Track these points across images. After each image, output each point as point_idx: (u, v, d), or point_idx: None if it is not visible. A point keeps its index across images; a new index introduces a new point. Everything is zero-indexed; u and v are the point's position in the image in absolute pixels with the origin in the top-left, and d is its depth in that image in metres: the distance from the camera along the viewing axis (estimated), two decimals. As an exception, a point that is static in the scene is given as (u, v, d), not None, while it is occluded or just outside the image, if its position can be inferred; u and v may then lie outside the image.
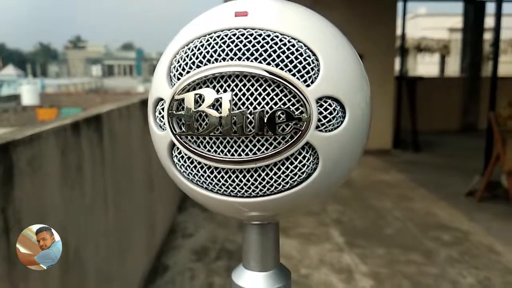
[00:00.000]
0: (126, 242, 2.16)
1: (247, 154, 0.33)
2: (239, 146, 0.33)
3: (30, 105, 15.57)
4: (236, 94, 0.32)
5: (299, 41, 0.33)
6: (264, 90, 0.32)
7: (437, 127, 7.68)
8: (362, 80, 0.35)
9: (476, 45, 8.51)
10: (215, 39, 0.33)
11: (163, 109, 0.36)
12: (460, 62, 9.38)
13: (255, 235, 0.40)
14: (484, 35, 8.69)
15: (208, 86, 0.33)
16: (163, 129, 0.36)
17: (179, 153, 0.36)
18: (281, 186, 0.34)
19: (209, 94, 0.32)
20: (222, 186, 0.35)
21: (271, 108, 0.32)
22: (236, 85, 0.32)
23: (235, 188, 0.35)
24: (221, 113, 0.32)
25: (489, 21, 8.95)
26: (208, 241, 3.18)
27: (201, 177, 0.36)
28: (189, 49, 0.34)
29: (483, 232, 3.30)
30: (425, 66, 16.61)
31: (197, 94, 0.33)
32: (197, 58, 0.33)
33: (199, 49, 0.34)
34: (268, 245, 0.40)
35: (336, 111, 0.33)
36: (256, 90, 0.32)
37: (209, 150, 0.34)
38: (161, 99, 0.36)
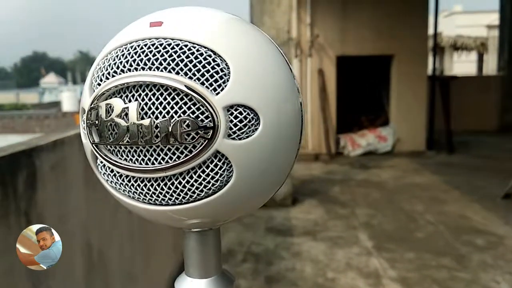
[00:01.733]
0: (152, 243, 2.21)
1: (159, 163, 0.33)
2: (151, 155, 0.34)
3: (70, 111, 16.17)
4: (146, 104, 0.32)
5: (209, 50, 0.32)
6: (173, 99, 0.32)
7: (474, 128, 7.42)
8: (286, 88, 0.35)
9: (514, 41, 8.18)
10: (128, 50, 0.34)
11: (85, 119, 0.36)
12: (497, 60, 9.04)
13: (194, 241, 0.40)
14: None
15: (120, 96, 0.33)
16: (85, 137, 0.37)
17: (101, 162, 0.37)
18: (196, 194, 0.34)
19: (117, 104, 0.33)
20: (147, 195, 0.35)
21: (179, 116, 0.32)
22: (146, 95, 0.33)
23: (158, 196, 0.35)
24: (128, 122, 0.32)
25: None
26: (234, 244, 3.20)
27: (125, 186, 0.36)
28: (107, 59, 0.35)
29: (520, 236, 3.17)
30: (461, 65, 16.09)
31: (108, 104, 0.33)
32: (112, 68, 0.34)
33: (114, 59, 0.34)
34: (207, 252, 0.40)
35: (247, 119, 0.33)
36: (165, 99, 0.32)
37: (125, 159, 0.35)
38: (83, 108, 0.37)
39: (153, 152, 0.34)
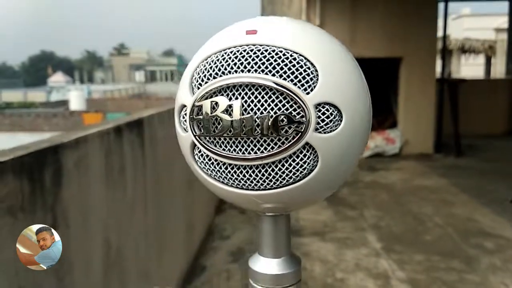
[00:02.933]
0: (165, 242, 2.24)
1: (255, 153, 0.38)
2: (248, 146, 0.38)
3: (77, 110, 16.28)
4: (245, 101, 0.38)
5: (300, 55, 0.38)
6: (270, 97, 0.37)
7: (482, 131, 7.41)
8: (361, 88, 0.40)
9: (523, 45, 8.16)
10: (228, 54, 0.39)
11: (186, 114, 0.42)
12: (506, 63, 9.01)
13: (268, 225, 0.45)
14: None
15: (222, 95, 0.39)
16: (186, 131, 0.42)
17: (199, 151, 0.42)
18: (285, 180, 0.39)
19: (222, 101, 0.38)
20: (236, 180, 0.40)
21: (275, 113, 0.37)
22: (246, 94, 0.38)
23: (247, 182, 0.40)
24: (232, 117, 0.37)
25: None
26: (244, 243, 3.23)
27: (218, 172, 0.41)
28: (207, 63, 0.40)
29: (529, 240, 3.17)
30: (469, 68, 16.03)
31: (213, 101, 0.38)
32: (213, 70, 0.39)
33: (215, 62, 0.40)
34: (280, 235, 0.45)
35: (333, 115, 0.37)
36: (262, 97, 0.37)
37: (223, 149, 0.40)
38: (184, 106, 0.42)
39: (250, 143, 0.38)
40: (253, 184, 0.40)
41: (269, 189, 0.39)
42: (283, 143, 0.37)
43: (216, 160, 0.40)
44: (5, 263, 1.00)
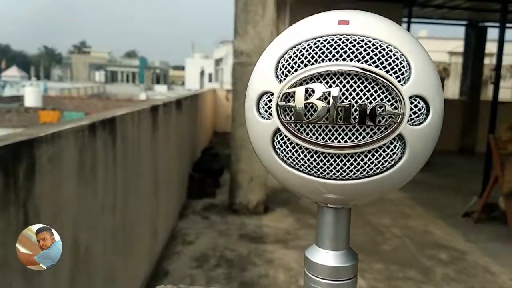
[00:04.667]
0: (130, 244, 2.19)
1: (345, 142, 0.38)
2: (339, 134, 0.38)
3: (33, 106, 15.62)
4: (340, 89, 0.38)
5: (394, 47, 0.38)
6: (365, 87, 0.38)
7: (437, 148, 7.71)
8: (439, 81, 0.42)
9: (476, 69, 8.63)
10: (322, 43, 0.39)
11: (269, 100, 0.41)
12: (460, 85, 9.49)
13: (331, 217, 0.45)
14: (484, 60, 8.82)
15: (315, 82, 0.39)
16: (268, 118, 0.41)
17: (282, 139, 0.41)
18: (372, 170, 0.39)
19: (319, 88, 0.38)
20: (320, 169, 0.40)
21: (370, 102, 0.37)
22: (341, 82, 0.38)
23: (332, 171, 0.40)
24: (329, 104, 0.37)
25: (489, 46, 9.10)
26: (208, 249, 3.21)
27: (296, 159, 0.41)
28: (297, 50, 0.40)
29: (479, 252, 3.34)
30: (426, 87, 16.66)
31: (309, 88, 0.38)
32: (305, 58, 0.39)
33: (307, 50, 0.39)
34: (341, 227, 0.45)
35: (423, 108, 0.39)
36: (358, 86, 0.38)
37: (311, 137, 0.39)
38: (267, 92, 0.41)
39: (341, 132, 0.38)
40: (338, 174, 0.39)
41: (350, 179, 0.39)
42: (375, 133, 0.38)
43: (301, 148, 0.40)
44: (-25, 258, 0.95)
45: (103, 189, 1.75)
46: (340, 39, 0.39)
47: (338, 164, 0.39)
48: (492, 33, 8.35)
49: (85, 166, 1.56)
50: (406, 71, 0.38)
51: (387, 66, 0.38)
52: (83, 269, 1.55)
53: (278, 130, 0.41)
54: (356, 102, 0.37)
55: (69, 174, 1.44)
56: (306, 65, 0.39)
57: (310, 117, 0.39)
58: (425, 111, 0.39)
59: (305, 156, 0.40)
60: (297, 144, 0.40)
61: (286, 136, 0.40)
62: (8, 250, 1.09)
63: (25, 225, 1.20)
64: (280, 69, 0.41)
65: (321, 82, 0.39)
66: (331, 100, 0.37)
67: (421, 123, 0.39)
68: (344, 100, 0.38)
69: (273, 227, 3.75)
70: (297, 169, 0.41)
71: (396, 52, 0.38)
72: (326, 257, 0.45)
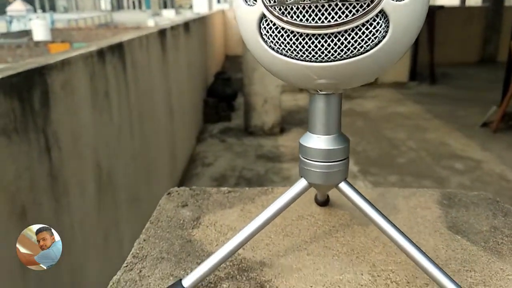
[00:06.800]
0: (151, 166, 2.27)
1: (329, 21, 0.38)
2: (322, 14, 0.38)
3: (42, 40, 15.45)
4: None
5: None
6: None
7: (456, 59, 7.51)
8: None
9: (501, -29, 8.07)
10: None
11: None
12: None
13: (322, 103, 0.46)
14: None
15: None
16: (253, 4, 0.42)
17: (267, 24, 0.42)
18: (356, 50, 0.39)
19: None
20: (306, 52, 0.40)
21: None
22: None
23: (316, 53, 0.40)
24: None
25: None
26: (226, 169, 3.30)
27: (286, 45, 0.41)
28: None
29: (496, 161, 3.36)
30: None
31: None
32: None
33: None
34: (332, 113, 0.47)
35: None
36: None
37: (295, 19, 0.39)
38: None
39: (324, 12, 0.38)
40: (323, 55, 0.40)
41: (337, 60, 0.39)
42: (357, 10, 0.38)
43: (286, 32, 0.40)
44: (5, 183, 1.00)
45: (118, 115, 1.77)
46: None
47: (322, 45, 0.39)
48: None
49: (98, 92, 1.58)
50: None
51: None
52: (108, 191, 1.63)
53: (263, 16, 0.41)
54: None
55: (83, 100, 1.46)
56: None
57: None
58: None
59: (291, 40, 0.40)
60: (283, 29, 0.40)
61: (271, 21, 0.41)
62: (35, 172, 1.14)
63: (47, 150, 1.25)
64: None
65: None
66: None
67: None
68: None
69: (290, 147, 3.81)
70: (284, 55, 0.41)
71: None
72: (318, 141, 0.47)
